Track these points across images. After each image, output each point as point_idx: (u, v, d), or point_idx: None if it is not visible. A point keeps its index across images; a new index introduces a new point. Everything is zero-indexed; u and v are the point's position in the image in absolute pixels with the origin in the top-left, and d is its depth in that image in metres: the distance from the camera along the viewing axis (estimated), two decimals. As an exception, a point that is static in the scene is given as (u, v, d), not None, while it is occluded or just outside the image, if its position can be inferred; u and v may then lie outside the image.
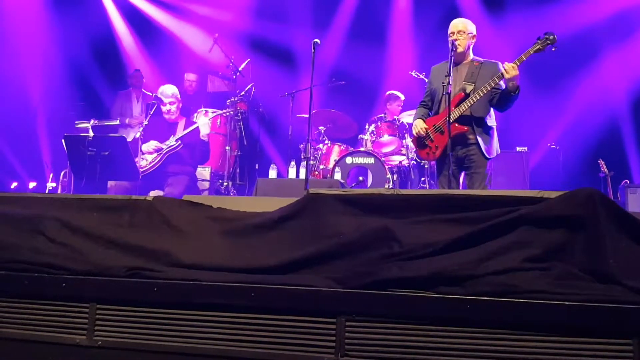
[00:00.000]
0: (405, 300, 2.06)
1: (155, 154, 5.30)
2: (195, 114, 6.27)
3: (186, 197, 2.87)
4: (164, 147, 5.32)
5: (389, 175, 5.72)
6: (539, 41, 3.76)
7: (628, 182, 6.48)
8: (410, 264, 2.18)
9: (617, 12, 7.22)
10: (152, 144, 5.32)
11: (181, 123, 5.50)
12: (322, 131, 6.27)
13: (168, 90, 5.55)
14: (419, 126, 4.21)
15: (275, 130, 7.97)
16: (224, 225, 2.60)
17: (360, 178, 5.61)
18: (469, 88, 4.00)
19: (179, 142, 5.30)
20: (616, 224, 2.15)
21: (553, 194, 2.30)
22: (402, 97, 6.67)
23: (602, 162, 6.67)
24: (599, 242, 2.12)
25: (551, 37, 3.72)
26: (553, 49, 3.73)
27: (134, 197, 2.81)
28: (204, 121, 5.43)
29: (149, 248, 2.49)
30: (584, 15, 7.26)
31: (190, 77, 7.15)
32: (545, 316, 1.93)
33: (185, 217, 2.64)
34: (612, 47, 7.29)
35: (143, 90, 7.27)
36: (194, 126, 5.40)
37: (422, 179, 6.00)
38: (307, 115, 4.74)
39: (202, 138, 5.45)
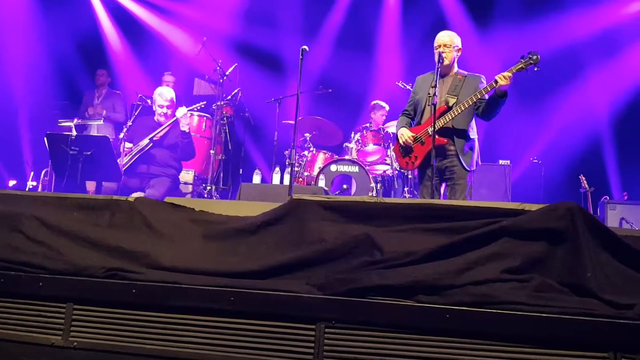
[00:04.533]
0: (385, 309, 2.06)
1: (127, 157, 5.28)
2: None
3: (168, 199, 2.85)
4: (136, 148, 5.30)
5: (373, 184, 5.74)
6: (522, 60, 3.80)
7: (608, 198, 6.58)
8: (390, 272, 2.18)
9: (602, 30, 7.36)
10: (126, 146, 5.28)
11: (164, 125, 5.46)
12: (308, 138, 6.28)
13: (167, 94, 5.52)
14: (406, 135, 4.23)
15: (261, 136, 7.96)
16: (206, 229, 2.58)
17: (344, 186, 5.62)
18: (452, 101, 4.05)
19: (150, 141, 5.27)
20: (595, 238, 2.19)
21: (534, 207, 2.33)
22: (387, 107, 6.72)
23: (583, 178, 6.76)
24: (578, 256, 2.15)
25: (534, 57, 3.76)
26: (536, 69, 3.77)
27: (115, 197, 2.78)
28: (182, 110, 5.34)
29: (128, 249, 2.47)
30: (569, 31, 7.39)
31: (168, 78, 7.12)
32: (523, 328, 1.95)
33: (166, 219, 2.63)
34: (596, 65, 7.43)
35: (130, 91, 7.26)
36: (172, 120, 5.36)
37: (406, 188, 6.03)
38: (293, 122, 4.74)
39: (182, 128, 5.36)
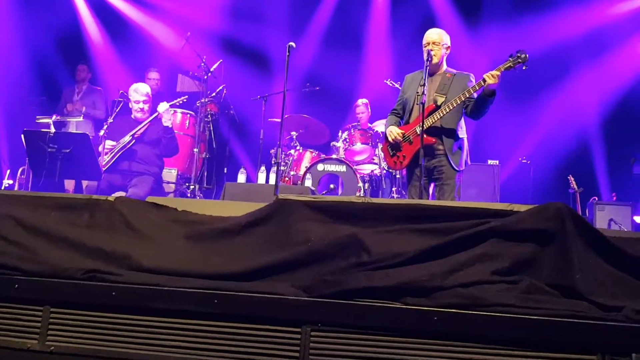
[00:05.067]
0: (372, 311, 2.07)
1: (109, 154, 5.23)
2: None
3: (150, 199, 2.83)
4: (118, 145, 5.24)
5: (361, 184, 5.74)
6: (510, 59, 3.83)
7: (596, 199, 6.65)
8: (378, 273, 2.19)
9: (591, 30, 7.43)
10: (108, 144, 5.23)
11: (144, 122, 5.42)
12: (294, 137, 6.26)
13: (143, 89, 5.47)
14: (395, 132, 4.24)
15: (246, 134, 7.93)
16: (189, 229, 2.57)
17: (332, 186, 5.62)
18: (440, 100, 4.07)
19: (132, 138, 5.23)
20: (584, 239, 2.21)
21: (523, 208, 2.35)
22: (361, 102, 6.78)
23: (572, 179, 6.84)
24: (567, 257, 2.16)
25: (522, 55, 3.79)
26: (524, 68, 3.80)
27: (94, 196, 2.75)
28: (164, 106, 5.30)
29: (108, 250, 2.45)
30: (558, 30, 7.45)
31: (153, 74, 7.05)
32: (511, 330, 1.96)
33: (148, 219, 2.61)
34: (585, 64, 7.50)
35: (111, 88, 7.21)
36: (153, 115, 5.32)
37: (394, 188, 6.05)
38: (279, 120, 4.73)
39: (165, 124, 5.33)
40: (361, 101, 6.85)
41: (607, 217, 6.28)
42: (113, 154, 5.23)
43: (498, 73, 3.81)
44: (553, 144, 7.42)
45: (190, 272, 2.33)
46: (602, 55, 7.51)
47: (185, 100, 5.70)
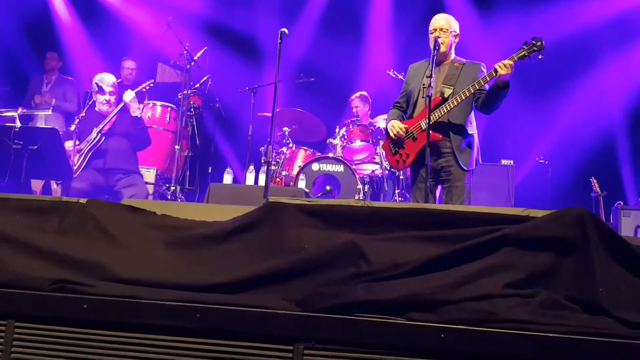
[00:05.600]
0: (372, 327, 2.07)
1: (77, 157, 5.22)
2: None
3: (125, 201, 2.82)
4: (85, 145, 5.23)
5: (360, 186, 5.76)
6: (524, 47, 3.83)
7: (622, 203, 6.67)
8: (379, 285, 2.19)
9: (617, 15, 7.42)
10: (70, 144, 5.20)
11: (111, 114, 5.42)
12: (287, 133, 6.27)
13: (108, 79, 5.48)
14: (397, 126, 4.23)
15: (233, 130, 7.93)
16: (169, 235, 2.57)
17: (328, 187, 5.63)
18: (448, 92, 4.07)
19: (99, 134, 5.23)
20: (607, 248, 2.21)
21: (540, 213, 2.35)
22: (356, 95, 6.79)
23: (595, 181, 6.86)
24: (588, 268, 2.17)
25: (538, 43, 3.79)
26: (540, 57, 3.81)
27: (64, 198, 2.75)
28: (129, 94, 5.30)
29: (79, 258, 2.44)
30: (579, 17, 7.45)
31: (129, 64, 7.05)
32: (526, 349, 1.96)
33: (123, 224, 2.61)
34: (610, 54, 7.49)
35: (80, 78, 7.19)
36: (120, 105, 5.33)
37: (397, 191, 6.06)
38: (270, 114, 4.73)
39: (134, 114, 5.33)
40: (355, 95, 6.84)
41: (634, 223, 6.30)
42: (84, 156, 5.22)
43: (511, 62, 3.82)
44: (574, 142, 7.44)
45: (170, 283, 2.33)
46: (630, 42, 7.52)
47: (151, 85, 5.69)
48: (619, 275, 2.18)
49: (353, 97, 6.87)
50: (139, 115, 5.40)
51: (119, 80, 5.71)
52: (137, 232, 2.60)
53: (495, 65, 3.87)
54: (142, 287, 2.30)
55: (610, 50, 7.50)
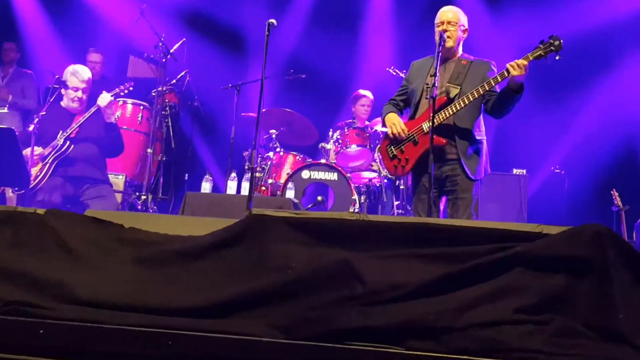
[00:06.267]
0: (367, 357, 2.06)
1: (40, 165, 5.18)
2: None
3: (89, 212, 2.81)
4: (49, 151, 5.20)
5: (356, 196, 5.76)
6: (541, 46, 3.85)
7: (646, 219, 6.71)
8: (375, 309, 2.18)
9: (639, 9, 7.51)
10: (28, 151, 5.13)
11: (81, 118, 5.39)
12: (274, 136, 6.28)
13: (84, 73, 5.43)
14: (398, 125, 4.22)
15: (214, 132, 7.93)
16: (138, 251, 2.55)
17: (319, 198, 5.64)
18: (454, 92, 4.08)
19: (67, 141, 5.19)
20: (630, 270, 2.22)
21: (554, 229, 2.36)
22: (370, 96, 6.78)
23: (616, 193, 6.89)
24: (608, 292, 2.17)
25: (556, 42, 3.81)
26: (557, 57, 3.82)
27: (19, 208, 2.73)
28: (106, 98, 5.25)
29: (36, 276, 2.42)
30: (599, 11, 7.52)
31: (94, 57, 7.03)
32: (539, 382, 1.97)
33: (86, 237, 2.59)
34: (633, 53, 7.57)
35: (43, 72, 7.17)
36: (93, 109, 5.29)
37: (396, 202, 6.07)
38: (255, 115, 4.73)
39: (109, 120, 5.30)
40: (367, 93, 6.80)
41: (660, 242, 6.34)
42: (48, 163, 5.18)
43: (525, 62, 3.83)
44: (593, 150, 7.49)
45: (138, 306, 2.31)
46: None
47: (131, 88, 5.63)
48: (642, 300, 2.19)
49: (366, 93, 6.77)
50: (114, 121, 5.36)
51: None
52: (101, 247, 2.58)
53: (508, 65, 3.87)
54: (107, 310, 2.28)
55: (634, 48, 7.56)
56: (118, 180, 5.98)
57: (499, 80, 3.94)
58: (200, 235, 2.58)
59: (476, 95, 3.97)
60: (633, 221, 6.76)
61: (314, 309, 2.25)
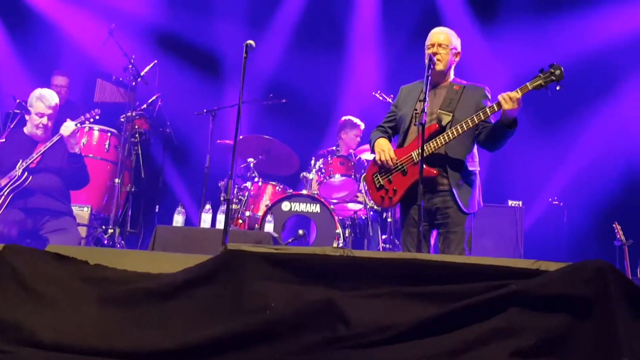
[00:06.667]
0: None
1: None
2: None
3: (51, 248, 2.79)
4: (5, 182, 5.15)
5: (340, 230, 5.76)
6: (541, 75, 3.86)
7: (650, 254, 6.76)
8: (360, 353, 2.18)
9: (640, 34, 7.66)
10: None
11: (42, 148, 5.35)
12: (252, 165, 6.28)
13: (50, 98, 5.38)
14: (387, 152, 4.22)
15: (187, 160, 7.92)
16: (104, 290, 2.54)
17: (301, 231, 5.62)
18: (446, 119, 4.11)
19: (25, 172, 5.15)
20: (633, 309, 2.24)
21: (553, 266, 2.37)
22: (362, 126, 6.81)
23: (619, 227, 6.93)
24: (611, 333, 2.18)
25: (557, 72, 3.81)
26: (558, 88, 3.83)
27: (-26, 244, 2.70)
28: (69, 127, 5.20)
29: (-9, 318, 2.39)
30: (599, 34, 7.64)
31: (59, 80, 7.02)
32: None
33: (48, 275, 2.57)
34: (634, 79, 7.68)
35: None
36: (55, 138, 5.25)
37: (383, 236, 6.08)
38: (231, 142, 4.74)
39: (72, 150, 5.27)
40: (359, 122, 6.81)
41: (665, 278, 6.38)
42: (4, 195, 5.14)
43: (518, 95, 3.82)
44: (593, 181, 7.56)
45: (104, 349, 2.29)
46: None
47: (97, 117, 5.58)
48: (648, 342, 2.20)
49: (357, 123, 6.79)
50: (77, 152, 5.32)
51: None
52: (64, 285, 2.56)
53: (499, 97, 3.88)
54: (70, 355, 2.26)
55: (632, 74, 7.67)
56: (83, 213, 5.93)
57: (496, 109, 3.94)
58: (172, 273, 2.57)
59: (470, 125, 3.98)
60: (637, 256, 6.80)
61: (294, 353, 2.24)
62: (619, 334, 2.17)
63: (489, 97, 4.21)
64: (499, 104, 3.89)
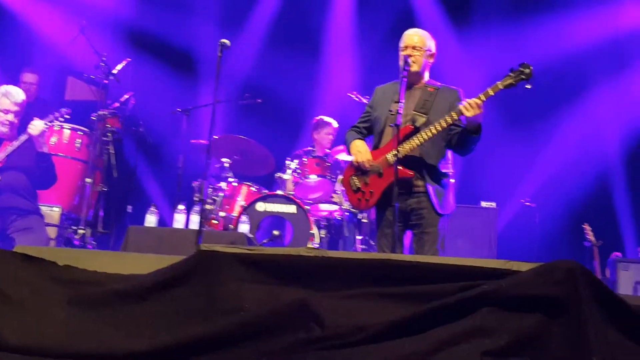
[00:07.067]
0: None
1: None
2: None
3: (19, 248, 2.75)
4: None
5: (315, 230, 5.77)
6: (511, 74, 3.92)
7: (620, 255, 6.85)
8: (334, 354, 2.18)
9: (611, 38, 7.76)
10: None
11: (10, 147, 5.28)
12: (226, 165, 6.25)
13: (16, 95, 5.31)
14: (364, 154, 4.24)
15: (160, 160, 7.87)
16: (74, 291, 2.51)
17: (276, 232, 5.62)
18: (421, 120, 4.14)
19: None
20: (603, 310, 2.26)
21: (524, 266, 2.39)
22: (334, 124, 6.81)
23: (589, 228, 7.03)
24: (581, 333, 2.21)
25: (527, 70, 3.88)
26: (528, 86, 3.90)
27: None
28: (38, 126, 5.13)
29: (-43, 320, 2.35)
30: (570, 39, 7.76)
31: (29, 77, 6.92)
32: None
33: (15, 276, 2.54)
34: (604, 83, 7.80)
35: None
36: (23, 137, 5.18)
37: (359, 237, 6.09)
38: (206, 142, 4.72)
39: (41, 149, 5.21)
40: (331, 120, 6.80)
41: (633, 279, 6.46)
42: None
43: (479, 101, 3.86)
44: (564, 182, 7.66)
45: (73, 352, 2.27)
46: (627, 70, 7.83)
47: (67, 116, 5.52)
48: (617, 342, 2.23)
49: (328, 121, 6.77)
50: (46, 151, 5.27)
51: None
52: (32, 287, 2.53)
53: (459, 106, 3.93)
54: (38, 357, 2.24)
55: (604, 78, 7.79)
56: (53, 213, 5.86)
57: (455, 117, 3.97)
58: (144, 274, 2.56)
59: (444, 125, 4.01)
60: (606, 257, 6.88)
61: (268, 354, 2.23)
62: (589, 334, 2.19)
63: (463, 99, 4.24)
64: (459, 112, 3.92)
